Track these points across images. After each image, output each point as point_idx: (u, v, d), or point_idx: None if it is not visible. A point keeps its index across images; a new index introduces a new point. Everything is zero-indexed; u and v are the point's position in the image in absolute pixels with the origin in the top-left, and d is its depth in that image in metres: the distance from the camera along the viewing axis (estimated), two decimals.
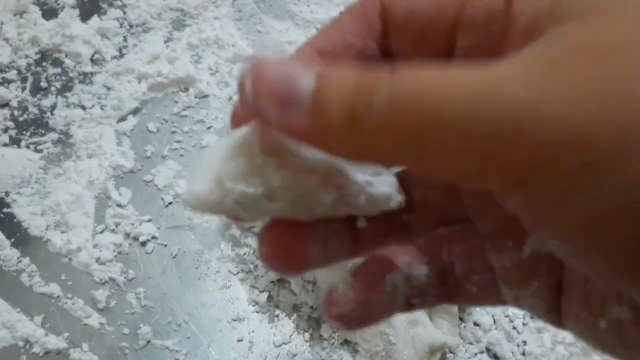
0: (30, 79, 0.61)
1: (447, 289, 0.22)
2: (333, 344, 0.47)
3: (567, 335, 0.49)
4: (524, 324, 0.50)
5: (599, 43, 0.14)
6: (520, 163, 0.14)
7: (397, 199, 0.20)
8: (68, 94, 0.59)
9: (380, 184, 0.20)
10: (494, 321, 0.50)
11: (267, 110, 0.17)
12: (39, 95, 0.59)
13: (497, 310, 0.51)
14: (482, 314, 0.50)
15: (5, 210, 0.52)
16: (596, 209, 0.14)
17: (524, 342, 0.49)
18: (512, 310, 0.51)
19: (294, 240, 0.20)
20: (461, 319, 0.50)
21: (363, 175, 0.20)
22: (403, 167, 0.21)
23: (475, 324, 0.50)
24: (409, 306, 0.22)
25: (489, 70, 0.15)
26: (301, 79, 0.16)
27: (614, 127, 0.13)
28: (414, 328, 0.46)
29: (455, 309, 0.48)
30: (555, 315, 0.20)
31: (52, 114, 0.58)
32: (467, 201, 0.22)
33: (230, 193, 0.19)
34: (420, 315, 0.47)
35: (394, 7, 0.20)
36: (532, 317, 0.51)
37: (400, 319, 0.46)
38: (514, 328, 0.50)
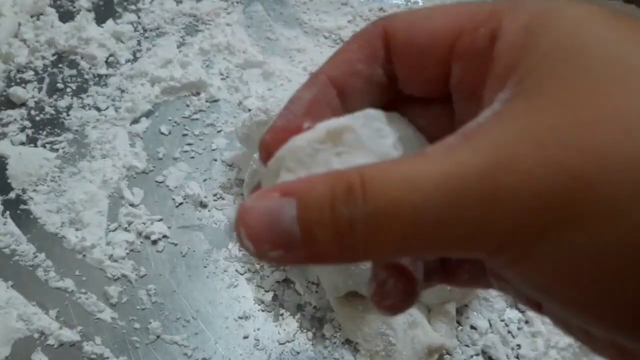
0: (47, 80, 0.62)
1: (445, 274, 0.25)
2: (335, 343, 0.49)
3: (559, 340, 0.51)
4: (518, 329, 0.52)
5: (544, 126, 0.16)
6: (490, 240, 0.17)
7: None
8: (83, 96, 0.61)
9: None
10: (490, 325, 0.52)
11: (271, 254, 0.18)
12: (55, 96, 0.61)
13: (494, 315, 0.52)
14: (479, 317, 0.52)
15: (22, 207, 0.54)
16: (547, 267, 0.17)
17: (519, 346, 0.51)
18: (508, 315, 0.53)
19: None
20: (459, 323, 0.51)
21: None
22: None
23: (472, 327, 0.52)
24: None
25: (451, 163, 0.17)
26: (284, 215, 0.18)
27: (558, 206, 0.16)
28: (414, 330, 0.48)
29: (453, 312, 0.50)
30: (533, 305, 0.22)
31: (67, 115, 0.60)
32: None
33: None
34: (420, 318, 0.49)
35: (395, 35, 0.22)
36: (526, 322, 0.52)
37: (400, 322, 0.48)
38: (509, 332, 0.52)
